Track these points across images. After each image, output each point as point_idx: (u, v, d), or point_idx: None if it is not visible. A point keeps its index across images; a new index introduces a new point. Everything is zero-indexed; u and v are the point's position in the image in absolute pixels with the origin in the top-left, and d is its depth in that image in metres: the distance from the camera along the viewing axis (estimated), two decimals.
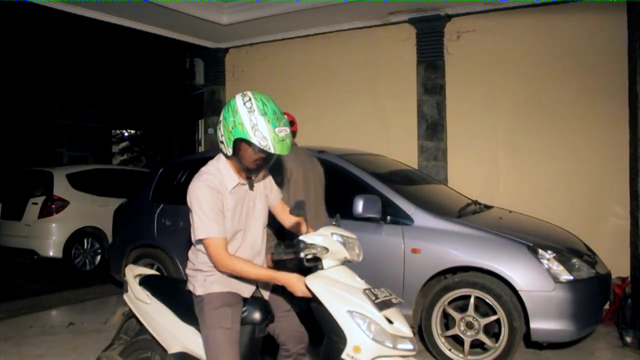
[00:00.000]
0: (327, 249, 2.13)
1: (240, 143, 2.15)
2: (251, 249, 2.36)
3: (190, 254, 2.39)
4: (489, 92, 5.89)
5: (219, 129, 2.21)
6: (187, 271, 2.40)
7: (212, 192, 2.17)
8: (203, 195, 2.16)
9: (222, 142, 2.21)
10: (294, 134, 3.45)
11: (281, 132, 2.11)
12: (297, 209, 2.25)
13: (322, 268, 2.15)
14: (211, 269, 2.28)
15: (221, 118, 2.21)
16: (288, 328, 2.42)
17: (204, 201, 2.16)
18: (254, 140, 2.10)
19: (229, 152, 2.19)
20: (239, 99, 2.17)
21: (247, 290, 2.35)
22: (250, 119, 2.11)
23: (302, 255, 2.10)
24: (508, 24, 5.77)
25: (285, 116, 2.22)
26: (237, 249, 2.30)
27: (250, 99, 2.14)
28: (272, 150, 2.10)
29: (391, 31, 6.40)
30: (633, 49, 4.77)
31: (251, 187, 2.35)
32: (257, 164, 2.21)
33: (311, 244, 2.11)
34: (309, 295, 2.09)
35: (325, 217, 3.46)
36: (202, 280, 2.29)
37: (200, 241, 2.23)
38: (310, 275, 2.12)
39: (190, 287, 2.34)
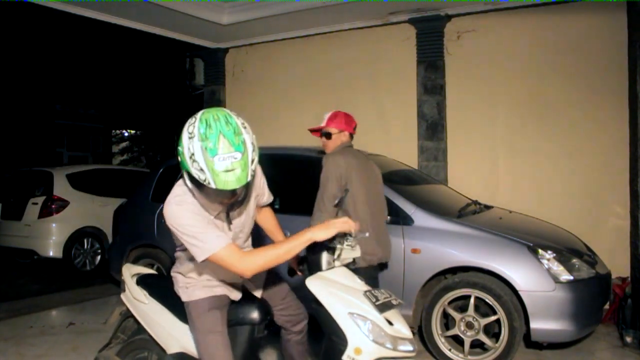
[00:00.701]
0: (352, 246, 2.21)
1: (189, 175, 1.84)
2: (245, 241, 2.29)
3: (175, 254, 2.33)
4: (489, 92, 5.89)
5: None
6: (171, 273, 2.32)
7: (195, 214, 1.92)
8: (186, 218, 1.90)
9: (184, 177, 1.92)
10: (351, 136, 3.37)
11: (223, 161, 1.72)
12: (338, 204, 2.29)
13: (335, 259, 2.17)
14: (191, 277, 2.20)
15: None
16: (287, 313, 2.42)
17: (189, 223, 1.90)
18: (193, 173, 1.77)
19: (190, 185, 1.89)
20: (187, 123, 1.83)
21: (234, 294, 2.28)
22: (188, 147, 1.76)
23: (339, 244, 2.17)
24: (508, 24, 5.77)
25: (241, 138, 1.78)
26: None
27: (194, 121, 1.78)
28: (212, 186, 1.75)
29: (391, 31, 6.40)
30: (633, 49, 4.77)
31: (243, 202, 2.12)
32: (222, 202, 1.94)
33: (353, 237, 2.20)
34: (331, 235, 1.95)
35: (384, 221, 3.43)
36: (184, 286, 2.22)
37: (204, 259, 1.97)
38: (311, 277, 2.12)
39: (176, 289, 2.29)
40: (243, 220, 2.18)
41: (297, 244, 1.90)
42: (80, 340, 4.33)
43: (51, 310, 5.42)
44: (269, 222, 2.52)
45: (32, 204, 7.35)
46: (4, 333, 4.56)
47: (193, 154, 1.74)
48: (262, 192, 2.31)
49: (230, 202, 1.96)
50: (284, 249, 1.89)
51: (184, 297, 2.21)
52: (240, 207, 2.12)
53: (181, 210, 1.91)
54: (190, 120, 1.80)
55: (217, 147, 1.72)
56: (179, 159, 1.82)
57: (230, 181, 1.74)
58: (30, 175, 7.86)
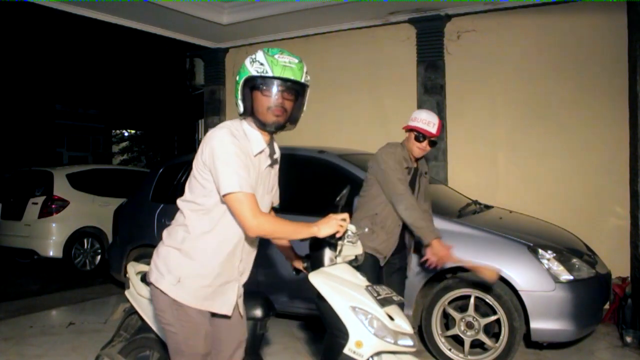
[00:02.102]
0: (353, 242, 2.25)
1: (245, 90, 1.89)
2: (242, 242, 2.03)
3: (165, 232, 2.07)
4: (489, 92, 5.89)
5: (235, 96, 1.97)
6: (156, 251, 2.05)
7: (237, 145, 1.87)
8: (233, 146, 1.86)
9: (237, 104, 1.94)
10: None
11: (283, 58, 1.87)
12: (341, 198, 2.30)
13: (337, 255, 2.19)
14: (187, 265, 1.94)
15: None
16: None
17: (234, 152, 1.85)
18: (252, 70, 1.86)
19: (241, 107, 1.92)
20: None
21: (225, 308, 2.03)
22: (249, 61, 1.90)
23: (342, 240, 2.19)
24: (508, 24, 5.77)
25: (299, 58, 1.94)
26: (230, 232, 1.97)
27: (256, 51, 1.94)
28: (269, 73, 1.84)
29: (391, 31, 6.40)
30: (633, 49, 4.77)
31: (272, 159, 2.05)
32: (272, 110, 1.89)
33: (354, 233, 2.24)
34: (342, 231, 1.97)
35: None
36: (175, 277, 1.94)
37: (224, 196, 1.86)
38: (314, 272, 2.14)
39: (152, 274, 2.00)
40: (264, 188, 2.06)
41: (303, 231, 1.94)
42: (80, 340, 4.33)
43: (51, 310, 5.42)
44: None
45: (32, 204, 7.35)
46: (4, 333, 4.56)
47: (255, 58, 1.88)
48: (274, 185, 2.20)
49: (278, 118, 1.90)
50: (292, 229, 1.93)
51: (167, 289, 1.94)
52: (270, 165, 2.06)
53: (231, 139, 1.88)
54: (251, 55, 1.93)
55: (277, 51, 1.90)
56: (237, 81, 1.92)
57: (287, 70, 1.85)
58: (30, 175, 7.87)
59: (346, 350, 2.00)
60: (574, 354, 4.02)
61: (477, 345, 3.80)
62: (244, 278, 2.11)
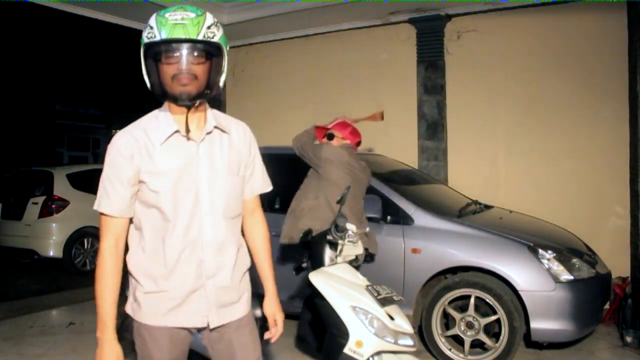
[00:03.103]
0: (353, 242, 2.27)
1: (149, 62, 1.59)
2: (194, 241, 1.66)
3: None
4: (489, 92, 5.89)
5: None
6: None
7: (120, 153, 1.61)
8: (109, 154, 1.64)
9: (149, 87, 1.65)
10: (358, 143, 3.72)
11: (174, 15, 1.55)
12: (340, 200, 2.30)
13: (337, 255, 2.19)
14: (143, 277, 1.67)
15: None
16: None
17: (107, 162, 1.64)
18: (143, 37, 1.57)
19: (148, 83, 1.63)
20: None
21: (194, 319, 1.69)
22: (145, 29, 1.59)
23: (340, 240, 2.20)
24: (508, 24, 5.77)
25: (193, 9, 1.60)
26: (166, 234, 1.64)
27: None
28: (158, 36, 1.53)
29: (391, 31, 6.40)
30: (633, 49, 4.77)
31: (223, 144, 1.73)
32: (177, 78, 1.57)
33: (355, 233, 2.25)
34: None
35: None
36: (132, 296, 1.72)
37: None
38: (314, 272, 2.14)
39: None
40: (210, 172, 1.68)
41: (100, 313, 1.62)
42: (80, 340, 4.33)
43: (51, 310, 5.42)
44: (257, 237, 1.90)
45: (32, 204, 7.34)
46: (4, 333, 4.56)
47: (147, 24, 1.58)
48: (252, 168, 1.83)
49: (186, 87, 1.57)
50: (98, 300, 1.62)
51: (132, 313, 1.73)
52: (206, 140, 1.69)
53: (115, 138, 1.66)
54: None
55: (174, 10, 1.57)
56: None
57: (178, 29, 1.53)
58: (30, 175, 7.86)
59: (346, 350, 2.00)
60: (574, 354, 4.02)
61: (477, 345, 3.80)
62: (221, 280, 1.70)
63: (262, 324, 2.37)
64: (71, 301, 5.77)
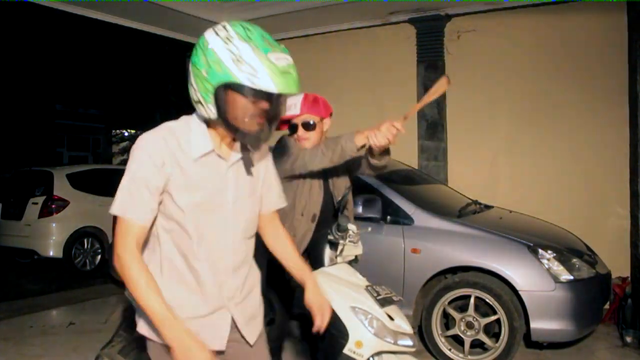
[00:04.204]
0: (354, 242, 2.27)
1: (223, 93, 1.40)
2: (216, 262, 1.57)
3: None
4: (489, 92, 5.89)
5: (191, 84, 1.47)
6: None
7: (151, 158, 1.47)
8: (137, 157, 1.48)
9: (198, 103, 1.46)
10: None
11: (280, 60, 1.40)
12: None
13: (338, 255, 2.20)
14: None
15: (189, 67, 1.46)
16: None
17: (134, 165, 1.49)
18: (241, 77, 1.36)
19: (212, 112, 1.44)
20: (209, 32, 1.45)
21: (215, 342, 1.59)
22: (229, 50, 1.38)
23: (341, 240, 2.20)
24: (508, 24, 5.77)
25: (282, 46, 1.48)
26: (188, 253, 1.55)
27: (224, 27, 1.43)
28: (273, 89, 1.37)
29: (391, 31, 6.40)
30: (633, 49, 4.77)
31: (248, 165, 1.63)
32: (259, 120, 1.45)
33: (355, 232, 2.25)
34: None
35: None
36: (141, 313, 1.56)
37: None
38: (314, 272, 2.14)
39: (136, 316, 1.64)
40: (236, 193, 1.60)
41: (153, 313, 1.42)
42: (80, 340, 4.33)
43: (51, 310, 5.42)
44: (282, 236, 1.84)
45: (32, 204, 7.35)
46: (4, 333, 4.56)
47: (239, 56, 1.36)
48: (269, 184, 1.75)
49: (275, 119, 1.49)
50: (144, 300, 1.43)
51: (143, 329, 1.64)
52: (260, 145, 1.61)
53: (149, 139, 1.50)
54: (216, 28, 1.44)
55: (267, 46, 1.40)
56: (203, 74, 1.41)
57: (292, 82, 1.43)
58: (30, 175, 7.87)
59: (346, 350, 2.00)
60: (574, 354, 4.02)
61: (477, 345, 3.80)
62: (242, 298, 1.64)
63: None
64: (71, 301, 5.77)
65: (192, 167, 1.51)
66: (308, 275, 1.79)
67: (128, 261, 1.47)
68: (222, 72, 1.38)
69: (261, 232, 1.81)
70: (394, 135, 2.02)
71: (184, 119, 1.58)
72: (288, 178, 2.47)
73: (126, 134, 22.24)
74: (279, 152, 2.50)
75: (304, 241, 2.52)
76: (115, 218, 1.55)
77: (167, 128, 1.53)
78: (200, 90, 1.43)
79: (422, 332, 3.85)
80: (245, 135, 1.45)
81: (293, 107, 2.57)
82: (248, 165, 1.63)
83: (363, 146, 2.15)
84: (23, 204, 7.45)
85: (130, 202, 1.48)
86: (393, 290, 2.27)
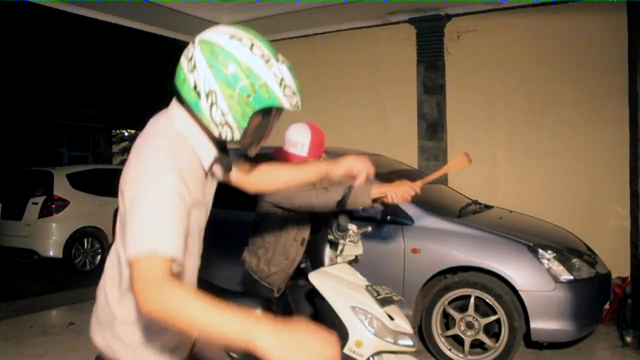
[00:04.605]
0: (354, 242, 2.27)
1: (257, 116, 1.31)
2: (192, 269, 1.43)
3: (110, 287, 1.38)
4: (489, 91, 5.89)
5: (215, 104, 1.27)
6: (102, 314, 1.39)
7: (181, 176, 1.23)
8: (165, 174, 1.20)
9: (225, 125, 1.29)
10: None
11: (296, 79, 1.43)
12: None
13: (338, 255, 2.19)
14: (141, 333, 1.34)
15: (216, 86, 1.27)
16: None
17: (161, 185, 1.19)
18: (284, 102, 1.32)
19: (237, 134, 1.31)
20: (233, 43, 1.30)
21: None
22: (272, 72, 1.30)
23: (342, 240, 2.19)
24: (508, 24, 5.76)
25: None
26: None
27: (254, 42, 1.34)
28: (299, 106, 1.40)
29: (391, 31, 6.40)
30: (633, 49, 4.77)
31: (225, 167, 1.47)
32: (269, 133, 1.42)
33: (355, 232, 2.25)
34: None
35: None
36: (132, 351, 1.35)
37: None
38: (314, 272, 2.14)
39: (106, 348, 1.37)
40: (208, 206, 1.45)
41: (230, 331, 1.04)
42: (80, 340, 4.33)
43: (51, 310, 5.42)
44: (271, 170, 1.73)
45: (32, 204, 7.35)
46: (4, 333, 4.56)
47: (282, 79, 1.32)
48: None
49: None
50: (205, 316, 1.06)
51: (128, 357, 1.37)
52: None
53: (163, 160, 1.22)
54: (242, 41, 1.32)
55: (291, 69, 1.39)
56: (245, 97, 1.27)
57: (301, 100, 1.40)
58: (30, 175, 7.87)
59: (346, 350, 2.00)
60: (574, 354, 4.02)
61: (477, 345, 3.80)
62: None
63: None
64: (71, 301, 5.77)
65: (205, 179, 1.36)
66: (324, 163, 1.80)
67: (167, 285, 1.11)
68: (269, 98, 1.29)
69: (250, 186, 1.67)
70: (411, 196, 2.16)
71: (178, 119, 1.34)
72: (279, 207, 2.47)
73: (126, 134, 22.21)
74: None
75: (294, 264, 2.53)
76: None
77: (177, 133, 1.31)
78: (234, 113, 1.27)
79: (422, 332, 3.85)
80: (252, 148, 1.40)
81: (300, 147, 2.54)
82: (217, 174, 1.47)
83: (375, 200, 2.25)
84: (23, 204, 7.45)
85: (160, 233, 1.15)
86: (393, 290, 2.27)
